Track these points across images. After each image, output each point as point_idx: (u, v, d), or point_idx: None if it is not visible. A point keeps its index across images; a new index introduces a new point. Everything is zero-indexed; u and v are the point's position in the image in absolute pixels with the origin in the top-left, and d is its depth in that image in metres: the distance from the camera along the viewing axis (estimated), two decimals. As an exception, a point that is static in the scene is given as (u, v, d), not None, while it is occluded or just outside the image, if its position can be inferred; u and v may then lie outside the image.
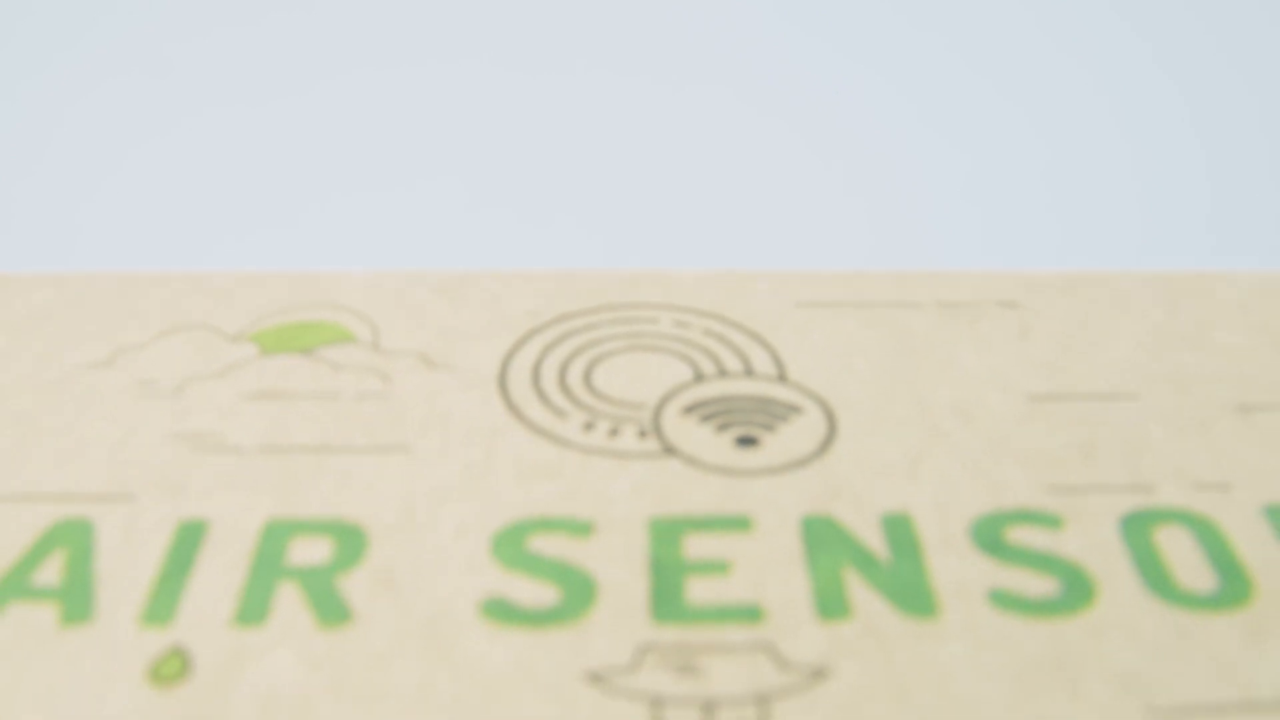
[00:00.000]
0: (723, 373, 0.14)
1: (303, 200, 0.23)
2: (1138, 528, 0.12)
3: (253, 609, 0.11)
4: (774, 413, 0.14)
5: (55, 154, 0.24)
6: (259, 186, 0.23)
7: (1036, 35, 0.27)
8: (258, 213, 0.23)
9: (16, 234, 0.23)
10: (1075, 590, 0.12)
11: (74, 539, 0.12)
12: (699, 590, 0.12)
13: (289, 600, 0.12)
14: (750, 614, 0.11)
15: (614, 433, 0.13)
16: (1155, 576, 0.12)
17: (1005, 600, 0.12)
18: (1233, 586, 0.12)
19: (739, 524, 0.12)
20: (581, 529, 0.12)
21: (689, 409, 0.14)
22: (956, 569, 0.12)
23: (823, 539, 0.12)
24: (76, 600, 0.12)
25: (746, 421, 0.14)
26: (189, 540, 0.12)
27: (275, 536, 0.12)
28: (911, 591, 0.12)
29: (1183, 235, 0.23)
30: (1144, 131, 0.25)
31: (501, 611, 0.11)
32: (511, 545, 0.12)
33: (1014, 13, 0.27)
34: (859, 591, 0.12)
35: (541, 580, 0.12)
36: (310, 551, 0.12)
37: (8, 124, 0.25)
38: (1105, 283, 0.16)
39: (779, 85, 0.25)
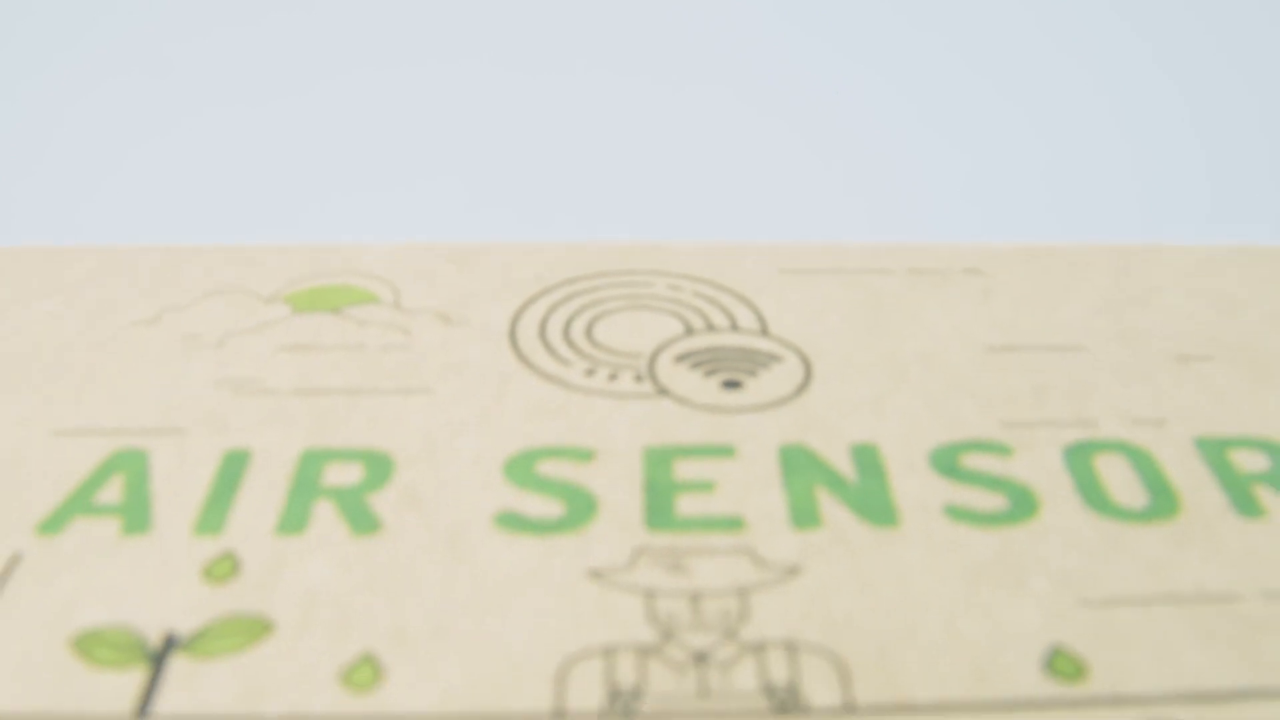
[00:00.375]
0: (711, 328, 0.16)
1: (320, 188, 0.25)
2: (1080, 456, 0.14)
3: (293, 521, 0.13)
4: (756, 361, 0.15)
5: (95, 137, 0.26)
6: (281, 175, 0.25)
7: (1016, 21, 0.28)
8: (279, 199, 0.24)
9: (55, 210, 0.24)
10: (1021, 505, 0.13)
11: (131, 466, 0.14)
12: (687, 505, 0.13)
13: (325, 514, 0.13)
14: (733, 524, 0.13)
15: (613, 377, 0.15)
16: (1093, 495, 0.13)
17: (958, 513, 0.13)
18: (1162, 503, 0.13)
19: (723, 451, 0.14)
20: (584, 455, 0.14)
21: (680, 357, 0.15)
22: (916, 488, 0.13)
23: (797, 464, 0.14)
24: (135, 515, 0.13)
25: (732, 368, 0.15)
26: (234, 467, 0.14)
27: (311, 463, 0.14)
28: (875, 506, 0.13)
29: (1137, 211, 0.25)
30: (1114, 115, 0.27)
31: (513, 522, 0.13)
32: (521, 469, 0.14)
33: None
34: (829, 506, 0.13)
35: (548, 497, 0.13)
36: (343, 475, 0.14)
37: (43, 109, 0.26)
38: (1062, 253, 0.18)
39: (765, 76, 0.27)
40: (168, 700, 0.11)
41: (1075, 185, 0.26)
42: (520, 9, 0.28)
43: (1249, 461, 0.14)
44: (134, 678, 0.11)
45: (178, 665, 0.11)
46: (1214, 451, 0.14)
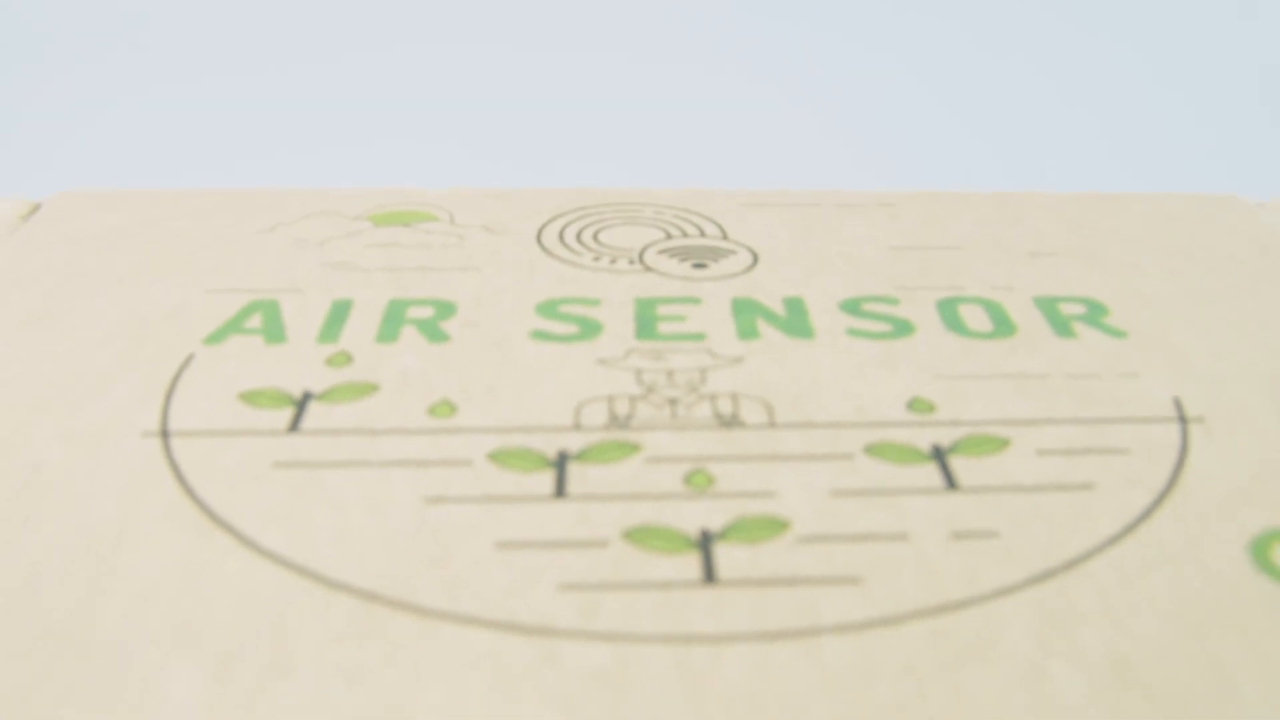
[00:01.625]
0: (684, 235, 0.21)
1: (383, 146, 0.30)
2: (948, 305, 0.19)
3: (387, 335, 0.18)
4: (718, 252, 0.21)
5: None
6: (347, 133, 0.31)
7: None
8: (349, 155, 0.30)
9: (175, 159, 0.30)
10: (900, 329, 0.18)
11: (266, 308, 0.19)
12: (665, 327, 0.18)
13: (409, 332, 0.18)
14: (697, 337, 0.18)
15: (613, 262, 0.20)
16: (954, 324, 0.19)
17: (856, 332, 0.18)
18: (1002, 329, 0.19)
19: (692, 300, 0.19)
20: (592, 302, 0.19)
21: (661, 251, 0.21)
22: (828, 321, 0.19)
23: (744, 306, 0.19)
24: (273, 333, 0.18)
25: (700, 256, 0.21)
26: (340, 309, 0.19)
27: (396, 307, 0.19)
28: (798, 328, 0.18)
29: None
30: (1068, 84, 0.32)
31: (543, 336, 0.18)
32: (547, 308, 0.19)
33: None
34: (765, 328, 0.18)
35: (567, 324, 0.19)
36: (419, 312, 0.19)
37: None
38: (958, 196, 0.23)
39: (738, 50, 0.32)
40: (308, 423, 0.16)
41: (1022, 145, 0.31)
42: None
43: (1071, 309, 0.19)
44: (284, 413, 0.16)
45: (313, 407, 0.17)
46: (1047, 305, 0.19)
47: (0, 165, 0.28)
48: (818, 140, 0.30)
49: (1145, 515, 0.15)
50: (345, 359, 0.18)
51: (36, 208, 0.23)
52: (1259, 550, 0.14)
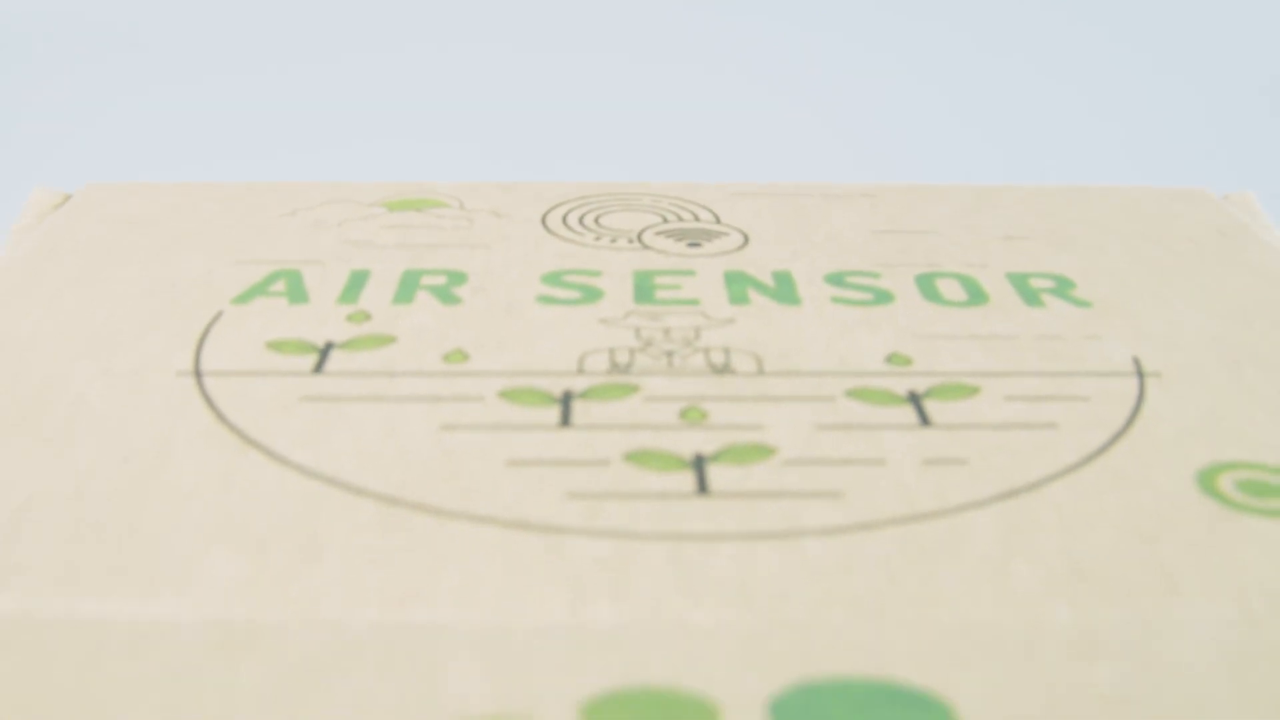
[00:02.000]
0: (680, 220, 0.23)
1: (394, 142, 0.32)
2: (925, 278, 0.21)
3: (403, 297, 0.20)
4: (711, 234, 0.22)
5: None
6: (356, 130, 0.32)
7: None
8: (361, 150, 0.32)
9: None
10: (880, 298, 0.20)
11: (289, 275, 0.20)
12: (662, 294, 0.20)
13: (423, 296, 0.20)
14: (692, 302, 0.20)
15: (613, 241, 0.22)
16: (930, 294, 0.20)
17: (840, 300, 0.20)
18: (975, 299, 0.20)
19: (687, 272, 0.21)
20: (594, 273, 0.21)
21: (658, 233, 0.22)
22: (814, 290, 0.20)
23: (736, 278, 0.20)
24: (296, 295, 0.20)
25: (694, 237, 0.22)
26: (359, 277, 0.20)
27: (411, 275, 0.20)
28: (786, 296, 0.20)
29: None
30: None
31: (548, 299, 0.20)
32: (552, 277, 0.20)
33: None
34: (755, 295, 0.20)
35: (570, 290, 0.20)
36: (433, 280, 0.20)
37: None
38: (942, 190, 0.25)
39: (740, 49, 0.34)
40: (331, 366, 0.17)
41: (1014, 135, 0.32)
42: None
43: (1041, 283, 0.21)
44: (308, 358, 0.18)
45: (335, 354, 0.18)
46: (1018, 279, 0.21)
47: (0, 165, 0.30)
48: (817, 140, 0.31)
49: (1103, 449, 0.16)
50: (364, 316, 0.19)
51: (68, 198, 0.24)
52: (1206, 479, 0.15)
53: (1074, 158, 0.32)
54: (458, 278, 0.20)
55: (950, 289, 0.20)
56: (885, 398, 0.17)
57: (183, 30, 0.34)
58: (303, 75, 0.33)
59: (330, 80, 0.33)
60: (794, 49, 0.33)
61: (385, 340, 0.18)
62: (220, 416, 0.16)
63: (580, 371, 0.17)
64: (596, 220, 0.23)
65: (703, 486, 0.15)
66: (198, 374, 0.17)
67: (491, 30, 0.34)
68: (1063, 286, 0.20)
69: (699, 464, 0.15)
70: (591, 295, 0.20)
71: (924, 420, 0.16)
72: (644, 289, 0.20)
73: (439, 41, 0.34)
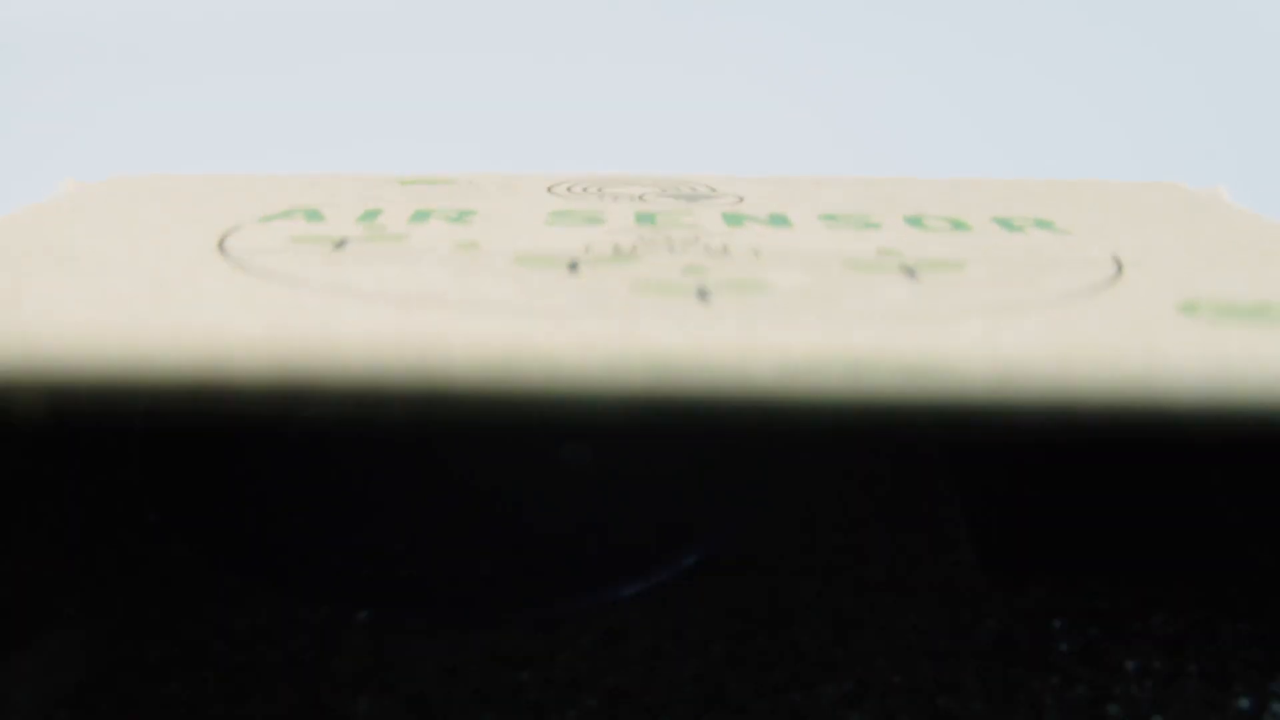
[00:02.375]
0: (678, 191, 0.24)
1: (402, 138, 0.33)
2: (915, 219, 0.22)
3: (419, 218, 0.20)
4: (710, 198, 0.23)
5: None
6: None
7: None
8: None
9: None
10: (871, 227, 0.21)
11: (307, 210, 0.21)
12: (663, 223, 0.21)
13: (436, 220, 0.21)
14: (692, 228, 0.21)
15: (615, 199, 0.23)
16: (917, 224, 0.21)
17: (832, 226, 0.21)
18: (961, 227, 0.21)
19: (686, 213, 0.22)
20: (597, 214, 0.22)
21: (659, 196, 0.23)
22: (807, 224, 0.21)
23: (734, 216, 0.21)
24: (314, 217, 0.21)
25: (693, 196, 0.23)
26: (374, 212, 0.21)
27: (424, 211, 0.21)
28: (781, 223, 0.21)
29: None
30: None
31: (556, 220, 0.20)
32: (558, 215, 0.21)
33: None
34: (749, 222, 0.21)
35: (575, 219, 0.21)
36: (445, 213, 0.21)
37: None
38: (929, 182, 0.26)
39: (740, 49, 0.35)
40: (348, 250, 0.18)
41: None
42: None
43: (1024, 222, 0.22)
44: (328, 246, 0.19)
45: (351, 244, 0.19)
46: (1002, 219, 0.22)
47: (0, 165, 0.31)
48: (817, 140, 0.33)
49: (1088, 293, 0.17)
50: (381, 227, 0.20)
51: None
52: (1188, 306, 0.16)
53: (1074, 158, 0.33)
54: (468, 213, 0.21)
55: (938, 225, 0.21)
56: (879, 267, 0.18)
57: (183, 30, 0.36)
58: (302, 75, 0.35)
59: (330, 80, 0.35)
60: (794, 49, 0.35)
61: (400, 238, 0.19)
62: (239, 265, 0.17)
63: (586, 251, 0.18)
64: (600, 190, 0.24)
65: (704, 298, 0.16)
66: (222, 249, 0.18)
67: (491, 30, 0.36)
68: (1044, 224, 0.21)
69: (702, 292, 0.16)
70: (596, 220, 0.21)
71: (913, 277, 0.17)
72: (645, 220, 0.21)
73: (439, 41, 0.36)
